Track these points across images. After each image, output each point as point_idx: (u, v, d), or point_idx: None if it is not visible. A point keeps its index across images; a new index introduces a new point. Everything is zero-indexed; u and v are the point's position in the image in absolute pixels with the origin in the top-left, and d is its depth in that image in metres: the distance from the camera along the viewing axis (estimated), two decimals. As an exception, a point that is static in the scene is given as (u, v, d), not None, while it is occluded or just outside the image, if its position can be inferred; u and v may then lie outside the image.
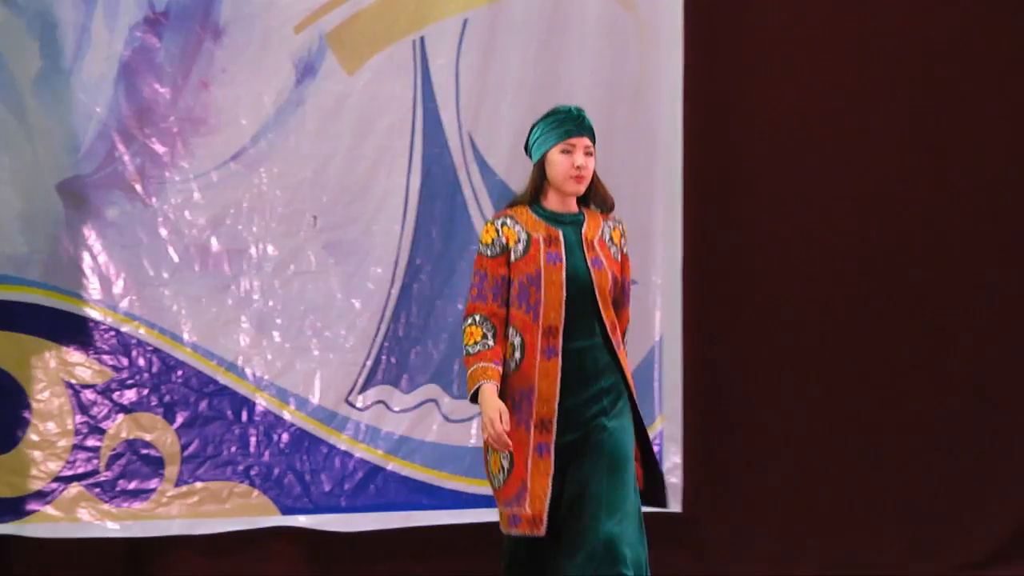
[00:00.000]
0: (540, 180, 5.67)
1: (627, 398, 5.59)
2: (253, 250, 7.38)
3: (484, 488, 7.46)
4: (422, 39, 7.54)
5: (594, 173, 5.66)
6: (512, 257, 5.56)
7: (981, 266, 8.15)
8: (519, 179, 7.46)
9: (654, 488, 5.64)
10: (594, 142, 5.65)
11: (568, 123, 5.61)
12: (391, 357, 7.47)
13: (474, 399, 5.53)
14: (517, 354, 5.52)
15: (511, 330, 5.54)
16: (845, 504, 8.00)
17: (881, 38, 8.12)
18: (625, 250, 5.72)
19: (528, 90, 7.59)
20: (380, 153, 7.47)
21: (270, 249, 7.39)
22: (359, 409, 7.44)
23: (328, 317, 7.42)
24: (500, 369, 5.50)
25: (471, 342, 5.54)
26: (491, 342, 5.52)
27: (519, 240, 5.57)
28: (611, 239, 5.67)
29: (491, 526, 7.45)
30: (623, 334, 5.72)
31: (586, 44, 7.69)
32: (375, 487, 7.45)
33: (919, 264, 8.07)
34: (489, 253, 5.60)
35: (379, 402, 7.46)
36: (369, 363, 7.45)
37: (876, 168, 8.04)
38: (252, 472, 7.34)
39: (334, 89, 7.45)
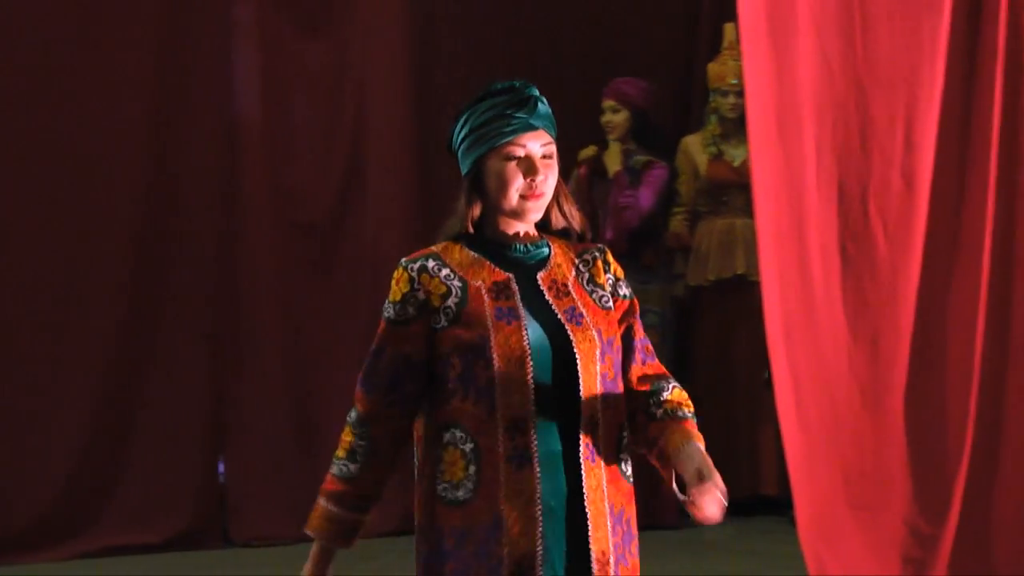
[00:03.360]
0: (473, 200, 3.64)
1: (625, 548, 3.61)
2: None
3: None
4: None
5: (558, 182, 3.66)
6: (437, 323, 3.56)
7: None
8: None
9: None
10: (554, 135, 3.64)
11: (511, 111, 3.56)
12: None
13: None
14: (472, 468, 3.51)
15: (456, 434, 3.54)
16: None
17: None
18: (622, 290, 3.70)
19: None
20: None
21: None
22: None
23: None
24: (354, 517, 3.63)
25: (337, 454, 3.64)
26: (353, 467, 3.61)
27: (451, 292, 3.57)
28: (591, 279, 3.67)
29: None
30: (654, 413, 3.65)
31: None
32: None
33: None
34: (394, 315, 3.59)
35: None
36: None
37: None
38: None
39: None
